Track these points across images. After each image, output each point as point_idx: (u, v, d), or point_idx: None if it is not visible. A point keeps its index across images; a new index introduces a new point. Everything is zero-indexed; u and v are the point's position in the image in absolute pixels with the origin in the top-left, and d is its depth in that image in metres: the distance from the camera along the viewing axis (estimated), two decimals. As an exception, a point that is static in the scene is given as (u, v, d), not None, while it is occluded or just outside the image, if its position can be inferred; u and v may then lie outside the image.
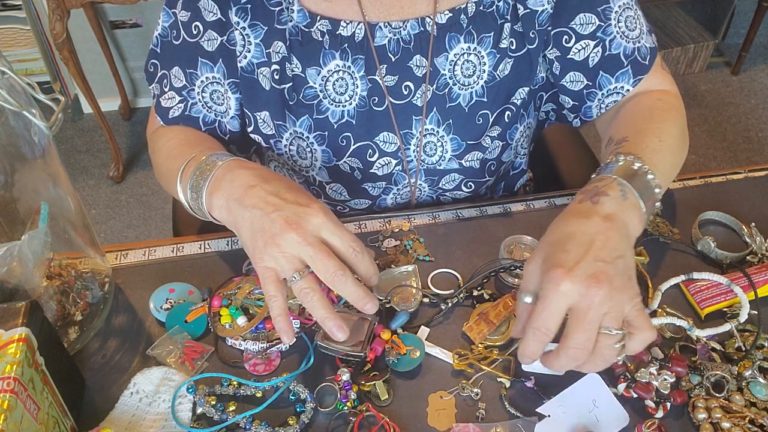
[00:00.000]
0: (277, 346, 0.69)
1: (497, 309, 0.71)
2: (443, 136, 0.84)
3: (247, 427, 0.62)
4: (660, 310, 0.72)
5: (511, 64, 0.81)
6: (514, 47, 0.80)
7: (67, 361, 0.64)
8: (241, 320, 0.70)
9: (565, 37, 0.81)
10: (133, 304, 0.74)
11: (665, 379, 0.63)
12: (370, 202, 0.90)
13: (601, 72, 0.82)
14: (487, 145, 0.86)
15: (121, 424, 0.63)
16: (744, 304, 0.70)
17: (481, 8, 0.78)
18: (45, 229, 0.62)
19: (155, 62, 0.85)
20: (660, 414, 0.63)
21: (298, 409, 0.63)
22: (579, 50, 0.81)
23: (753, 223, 0.82)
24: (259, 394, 0.65)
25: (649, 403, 0.63)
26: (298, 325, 0.70)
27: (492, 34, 0.79)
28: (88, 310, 0.70)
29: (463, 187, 0.90)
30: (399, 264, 0.77)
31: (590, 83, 0.83)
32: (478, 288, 0.75)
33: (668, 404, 0.63)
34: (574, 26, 0.80)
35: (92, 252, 0.72)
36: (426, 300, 0.74)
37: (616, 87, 0.83)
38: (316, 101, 0.80)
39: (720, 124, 2.45)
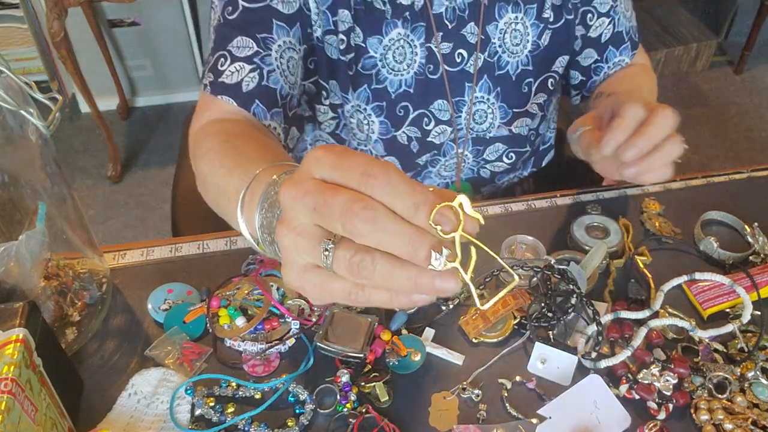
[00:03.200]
0: (277, 347, 0.68)
1: (495, 306, 0.70)
2: (493, 103, 0.88)
3: (246, 428, 0.62)
4: (662, 311, 0.71)
5: (550, 35, 0.87)
6: (552, 19, 0.87)
7: (64, 362, 0.63)
8: (240, 321, 0.69)
9: (590, 15, 0.89)
10: (131, 305, 0.74)
11: (667, 380, 0.63)
12: (414, 172, 0.93)
13: (609, 47, 0.92)
14: (535, 112, 0.91)
15: (119, 425, 0.62)
16: (747, 305, 0.70)
17: None
18: (42, 229, 0.62)
19: (211, 57, 0.75)
20: (662, 415, 0.63)
21: (297, 411, 0.63)
22: (597, 27, 0.90)
23: (756, 223, 0.81)
24: (258, 396, 0.65)
25: (651, 405, 0.63)
26: (298, 326, 0.69)
27: (535, 5, 0.85)
28: (86, 311, 0.70)
29: (505, 158, 0.95)
30: (399, 264, 0.77)
31: (599, 58, 0.93)
32: (479, 288, 0.74)
33: (670, 405, 0.63)
34: (596, 5, 0.89)
35: (90, 252, 0.72)
36: (426, 300, 0.73)
37: (619, 60, 0.94)
38: (374, 71, 0.82)
39: (722, 123, 2.44)
